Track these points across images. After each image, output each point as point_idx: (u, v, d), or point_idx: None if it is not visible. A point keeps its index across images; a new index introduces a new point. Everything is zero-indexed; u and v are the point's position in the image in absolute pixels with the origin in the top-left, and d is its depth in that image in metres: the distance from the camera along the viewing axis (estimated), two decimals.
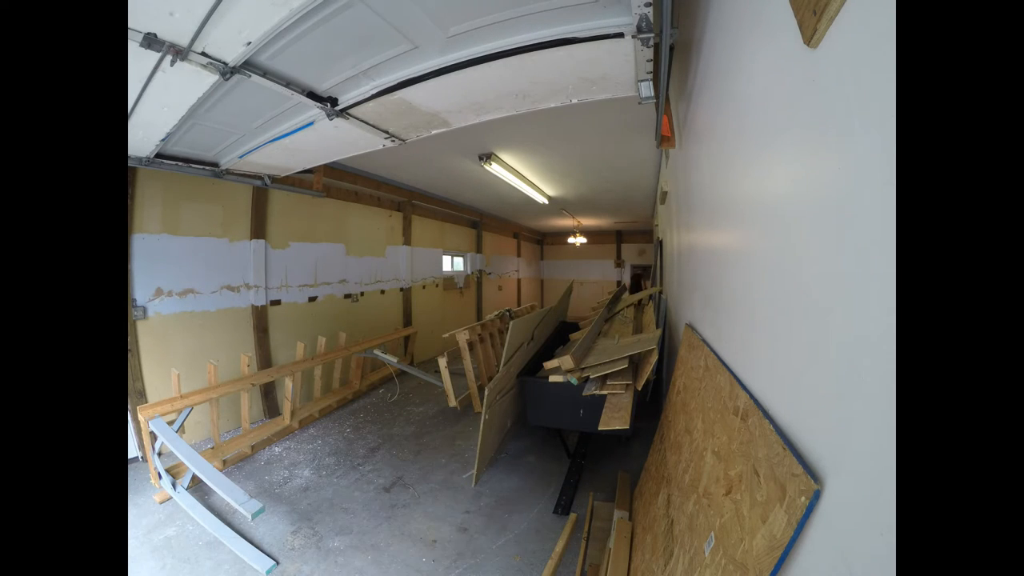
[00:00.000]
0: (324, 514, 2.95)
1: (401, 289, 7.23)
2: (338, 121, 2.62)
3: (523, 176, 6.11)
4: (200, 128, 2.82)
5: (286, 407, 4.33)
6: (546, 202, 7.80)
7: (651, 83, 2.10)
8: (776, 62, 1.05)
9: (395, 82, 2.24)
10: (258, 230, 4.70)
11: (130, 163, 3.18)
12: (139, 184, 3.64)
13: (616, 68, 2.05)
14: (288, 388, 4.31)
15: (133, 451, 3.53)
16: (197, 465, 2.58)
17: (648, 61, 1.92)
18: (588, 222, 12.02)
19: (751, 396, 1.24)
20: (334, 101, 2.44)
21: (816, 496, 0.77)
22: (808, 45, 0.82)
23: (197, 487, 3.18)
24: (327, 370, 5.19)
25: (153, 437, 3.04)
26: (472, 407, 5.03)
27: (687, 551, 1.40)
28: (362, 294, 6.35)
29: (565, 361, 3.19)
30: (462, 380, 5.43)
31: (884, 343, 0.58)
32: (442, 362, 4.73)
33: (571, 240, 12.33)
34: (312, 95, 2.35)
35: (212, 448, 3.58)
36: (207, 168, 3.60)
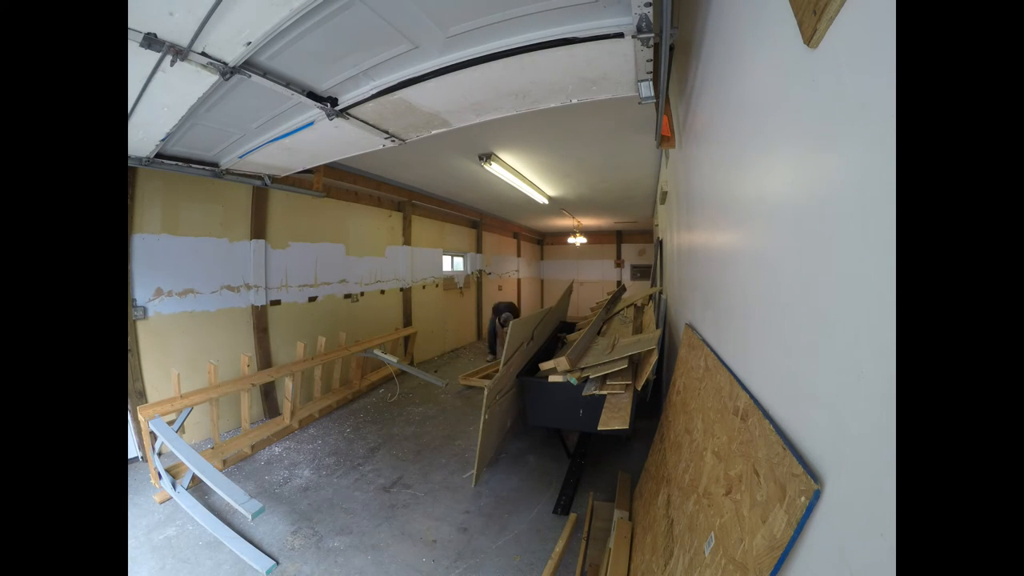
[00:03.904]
0: (324, 514, 2.95)
1: (401, 289, 7.23)
2: (338, 121, 2.62)
3: (523, 176, 6.11)
4: (200, 128, 2.82)
5: (286, 407, 4.33)
6: (546, 202, 7.80)
7: (651, 83, 2.10)
8: (776, 62, 1.05)
9: (395, 82, 2.24)
10: (258, 230, 4.69)
11: (130, 163, 3.18)
12: (139, 184, 3.64)
13: (616, 68, 2.05)
14: (288, 388, 4.31)
15: (133, 451, 3.53)
16: (197, 465, 2.58)
17: (648, 61, 1.92)
18: (588, 222, 12.02)
19: (751, 396, 1.24)
20: (334, 101, 2.44)
21: (816, 496, 0.77)
22: (808, 45, 0.82)
23: (197, 487, 3.18)
24: (327, 370, 5.19)
25: (153, 437, 3.04)
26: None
27: (687, 551, 1.40)
28: (362, 294, 6.35)
29: (561, 362, 3.19)
30: None
31: (884, 343, 0.58)
32: None
33: (571, 240, 12.32)
34: (312, 95, 2.35)
35: (212, 448, 3.58)
36: (207, 168, 3.60)
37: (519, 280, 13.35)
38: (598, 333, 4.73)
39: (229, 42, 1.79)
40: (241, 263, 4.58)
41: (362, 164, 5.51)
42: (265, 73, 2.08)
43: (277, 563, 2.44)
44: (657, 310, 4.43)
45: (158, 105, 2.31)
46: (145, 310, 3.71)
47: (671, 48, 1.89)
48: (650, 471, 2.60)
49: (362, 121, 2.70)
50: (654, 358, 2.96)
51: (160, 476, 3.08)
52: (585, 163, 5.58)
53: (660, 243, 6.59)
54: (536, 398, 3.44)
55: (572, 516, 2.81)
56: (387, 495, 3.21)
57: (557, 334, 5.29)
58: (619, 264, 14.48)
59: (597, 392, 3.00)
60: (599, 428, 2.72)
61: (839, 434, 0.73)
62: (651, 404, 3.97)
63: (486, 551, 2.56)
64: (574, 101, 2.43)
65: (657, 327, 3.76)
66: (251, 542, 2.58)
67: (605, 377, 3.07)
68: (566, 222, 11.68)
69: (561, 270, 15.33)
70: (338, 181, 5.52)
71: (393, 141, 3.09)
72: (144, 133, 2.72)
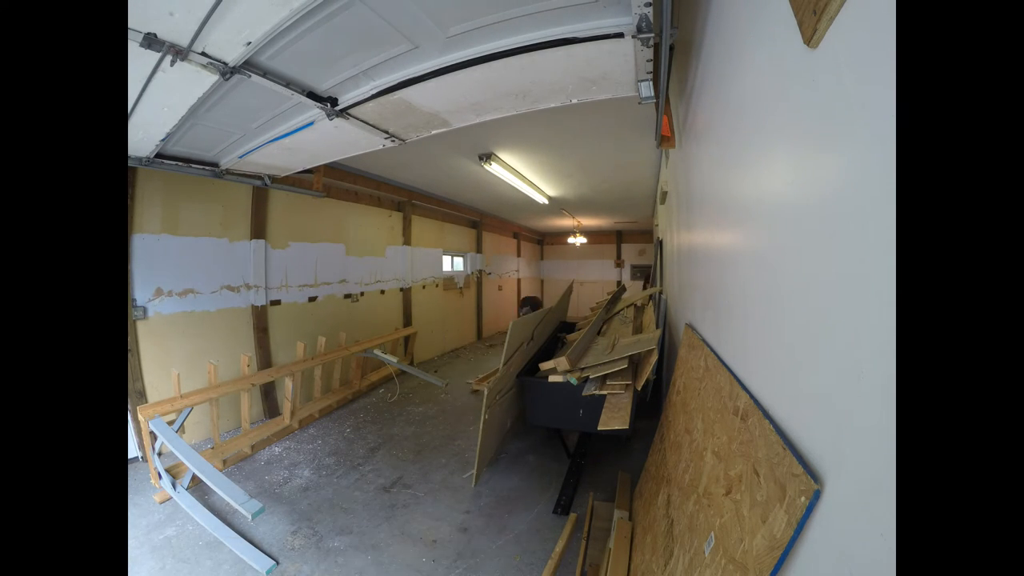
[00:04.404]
0: (324, 514, 2.95)
1: (401, 289, 7.23)
2: (338, 121, 2.61)
3: (523, 176, 6.10)
4: (200, 128, 2.82)
5: (286, 407, 4.33)
6: (546, 202, 7.80)
7: (651, 83, 2.10)
8: (776, 62, 1.05)
9: (395, 82, 2.24)
10: (258, 230, 4.69)
11: (130, 163, 3.18)
12: (139, 184, 3.64)
13: (616, 68, 2.05)
14: (288, 388, 4.31)
15: (133, 451, 3.53)
16: (197, 465, 2.58)
17: (648, 61, 1.92)
18: (588, 222, 12.01)
19: (751, 396, 1.24)
20: (334, 101, 2.44)
21: (816, 496, 0.77)
22: (808, 45, 0.82)
23: (197, 487, 3.18)
24: (327, 370, 5.19)
25: (153, 437, 3.04)
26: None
27: (687, 551, 1.40)
28: (362, 294, 6.35)
29: (561, 362, 3.19)
30: None
31: (884, 343, 0.58)
32: None
33: (571, 240, 12.32)
34: (312, 95, 2.35)
35: (212, 448, 3.58)
36: (207, 168, 3.60)
37: (519, 280, 13.34)
38: (598, 333, 4.73)
39: (229, 42, 1.79)
40: (241, 263, 4.58)
41: (362, 164, 5.51)
42: (265, 73, 2.07)
43: (277, 563, 2.44)
44: (657, 310, 4.43)
45: (158, 105, 2.31)
46: (145, 310, 3.71)
47: (671, 48, 1.89)
48: (650, 471, 2.60)
49: (362, 121, 2.70)
50: (654, 358, 2.96)
51: (160, 476, 3.08)
52: (585, 163, 5.58)
53: (660, 243, 6.59)
54: (536, 398, 3.44)
55: (572, 516, 2.81)
56: (387, 495, 3.21)
57: (557, 334, 5.29)
58: (619, 264, 14.47)
59: (597, 392, 3.00)
60: (599, 428, 2.72)
61: (839, 434, 0.73)
62: (651, 404, 3.97)
63: (486, 551, 2.56)
64: (574, 101, 2.43)
65: (657, 327, 3.76)
66: (251, 542, 2.58)
67: (605, 377, 3.07)
68: (566, 222, 11.67)
69: (561, 270, 15.32)
70: (338, 181, 5.52)
71: (393, 141, 3.09)
72: (144, 133, 2.72)
